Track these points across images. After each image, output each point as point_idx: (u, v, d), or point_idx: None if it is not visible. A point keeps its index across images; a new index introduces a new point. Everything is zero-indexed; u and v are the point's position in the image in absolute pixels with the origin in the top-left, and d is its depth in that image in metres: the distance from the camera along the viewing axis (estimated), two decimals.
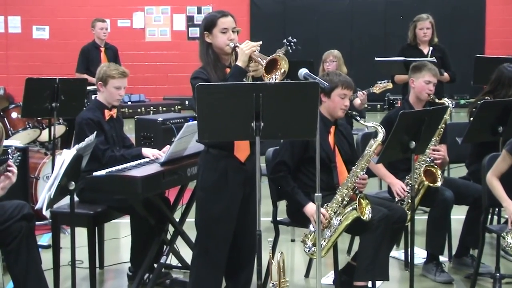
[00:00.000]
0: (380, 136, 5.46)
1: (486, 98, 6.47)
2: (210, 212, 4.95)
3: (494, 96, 6.50)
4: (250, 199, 4.99)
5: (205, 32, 4.92)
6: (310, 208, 5.35)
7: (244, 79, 4.74)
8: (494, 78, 6.58)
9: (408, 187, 5.89)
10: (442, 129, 6.19)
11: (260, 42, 4.76)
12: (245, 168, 4.95)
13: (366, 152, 5.45)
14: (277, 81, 4.52)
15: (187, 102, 17.90)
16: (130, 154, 5.94)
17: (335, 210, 5.33)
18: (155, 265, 5.85)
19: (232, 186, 4.92)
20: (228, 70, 4.89)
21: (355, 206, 5.23)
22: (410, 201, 5.71)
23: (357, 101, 8.85)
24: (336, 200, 5.35)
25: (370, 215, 5.25)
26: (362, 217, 5.22)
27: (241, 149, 4.93)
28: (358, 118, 5.55)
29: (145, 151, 5.96)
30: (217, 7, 17.29)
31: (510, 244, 5.21)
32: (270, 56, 4.54)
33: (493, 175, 5.44)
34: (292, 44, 10.71)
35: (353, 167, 5.43)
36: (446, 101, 6.33)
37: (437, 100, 6.29)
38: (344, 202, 5.34)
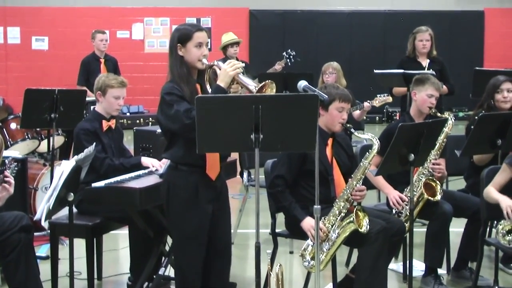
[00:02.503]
0: (375, 147, 5.46)
1: (482, 111, 6.48)
2: (183, 230, 4.86)
3: (486, 107, 6.52)
4: (219, 216, 4.98)
5: (178, 44, 4.83)
6: (307, 223, 5.35)
7: None
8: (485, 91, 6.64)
9: (406, 198, 5.90)
10: (443, 143, 6.19)
11: (243, 64, 4.73)
12: (214, 184, 4.91)
13: (362, 164, 5.46)
14: None
15: None
16: (129, 163, 5.95)
17: (333, 223, 5.33)
18: (154, 277, 5.84)
19: (202, 202, 4.84)
20: (197, 85, 4.85)
21: (353, 219, 5.23)
22: (408, 213, 5.71)
23: (356, 113, 8.87)
24: (333, 213, 5.35)
25: (368, 227, 5.25)
26: (359, 229, 5.21)
27: (213, 168, 4.86)
28: (352, 130, 5.56)
29: (145, 160, 5.97)
30: (216, 20, 17.39)
31: (500, 230, 5.24)
32: (262, 83, 4.49)
33: (490, 187, 5.45)
34: (291, 56, 10.74)
35: (349, 179, 5.44)
36: (448, 115, 6.32)
37: (438, 114, 6.28)
38: (342, 215, 5.34)
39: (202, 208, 4.84)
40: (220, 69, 4.67)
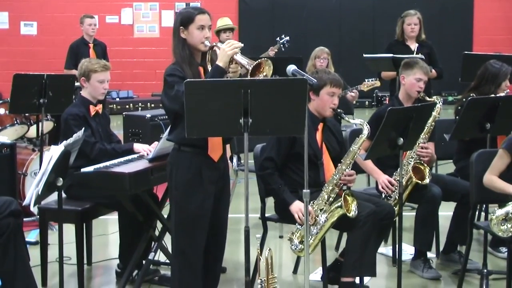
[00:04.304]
0: (365, 132, 5.47)
1: (472, 94, 6.49)
2: (187, 211, 4.87)
3: (478, 92, 6.53)
4: (221, 198, 5.00)
5: (181, 27, 4.84)
6: (296, 206, 5.37)
7: None
8: (479, 74, 6.62)
9: (395, 183, 5.91)
10: (432, 127, 6.21)
11: (241, 44, 4.72)
12: (217, 166, 4.93)
13: (352, 149, 5.47)
14: None
15: None
16: (121, 148, 5.95)
17: (321, 207, 5.34)
18: (144, 262, 5.85)
19: (206, 183, 4.86)
20: (200, 68, 4.87)
21: (341, 204, 5.24)
22: (397, 197, 5.73)
23: (351, 95, 8.91)
24: (322, 197, 5.36)
25: (356, 211, 5.26)
26: (348, 214, 5.23)
27: (215, 149, 4.88)
28: (343, 115, 5.57)
29: (137, 146, 5.96)
30: (205, 3, 17.31)
31: (494, 219, 5.20)
32: (256, 61, 4.50)
33: (491, 175, 5.38)
34: (285, 42, 10.75)
35: (339, 164, 5.45)
36: (436, 99, 6.33)
37: (427, 98, 6.30)
38: (330, 199, 5.36)
39: (205, 188, 4.86)
40: (219, 49, 4.69)
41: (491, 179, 5.32)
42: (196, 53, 4.87)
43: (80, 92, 6.23)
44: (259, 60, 4.51)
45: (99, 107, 6.12)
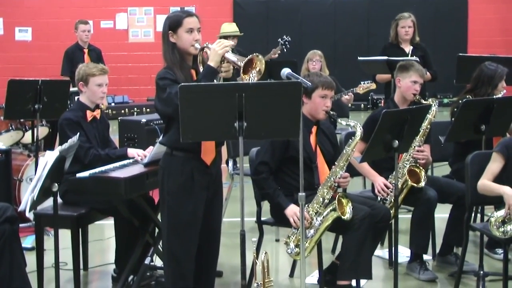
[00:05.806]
0: (358, 134, 5.47)
1: (467, 96, 6.50)
2: (179, 216, 4.84)
3: (474, 94, 6.54)
4: (213, 203, 4.99)
5: (170, 31, 4.83)
6: (291, 210, 5.37)
7: (215, 80, 4.68)
8: (475, 77, 6.62)
9: (391, 186, 5.91)
10: (427, 129, 6.21)
11: (232, 42, 4.69)
12: (209, 171, 4.91)
13: (345, 151, 5.47)
14: (255, 80, 4.48)
15: None
16: (115, 154, 5.93)
17: (316, 210, 5.34)
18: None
19: (197, 189, 4.84)
20: (193, 71, 4.85)
21: (335, 207, 5.23)
22: (393, 199, 5.73)
23: (345, 97, 8.91)
24: (317, 200, 5.36)
25: (351, 214, 5.26)
26: (342, 216, 5.23)
27: (208, 153, 4.86)
28: (336, 117, 5.58)
29: (131, 151, 5.95)
30: (200, 8, 17.33)
31: (493, 222, 5.18)
32: (248, 57, 4.49)
33: (483, 180, 5.36)
34: (287, 43, 10.75)
35: (333, 166, 5.45)
36: (432, 101, 6.34)
37: (423, 101, 6.29)
38: (325, 201, 5.36)
39: (196, 194, 4.84)
40: (210, 50, 4.67)
41: (484, 183, 5.32)
42: (187, 57, 4.86)
43: (78, 97, 6.19)
44: (250, 56, 4.49)
45: (97, 112, 6.10)
